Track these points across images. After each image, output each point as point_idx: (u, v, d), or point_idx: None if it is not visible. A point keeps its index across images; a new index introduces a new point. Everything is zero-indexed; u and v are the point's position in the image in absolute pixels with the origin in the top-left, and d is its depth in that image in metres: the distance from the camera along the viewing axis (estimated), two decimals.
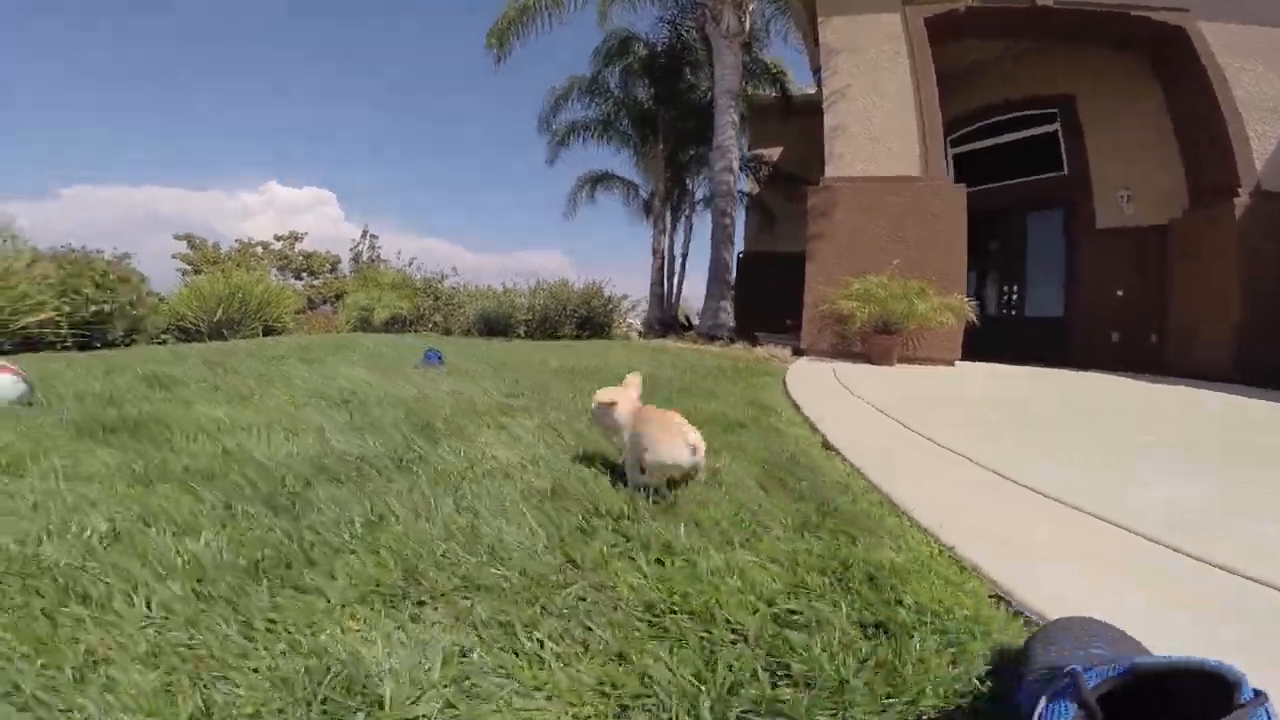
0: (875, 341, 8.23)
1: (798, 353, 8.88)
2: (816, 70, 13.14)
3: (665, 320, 14.49)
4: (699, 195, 15.77)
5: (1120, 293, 10.58)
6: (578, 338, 15.18)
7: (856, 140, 9.25)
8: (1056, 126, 11.36)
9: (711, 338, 10.06)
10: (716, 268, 10.61)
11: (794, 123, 13.83)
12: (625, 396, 2.04)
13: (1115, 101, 10.51)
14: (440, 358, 6.31)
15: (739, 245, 15.60)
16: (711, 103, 13.40)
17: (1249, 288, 8.35)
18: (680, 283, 15.79)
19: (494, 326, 19.63)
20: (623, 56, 13.42)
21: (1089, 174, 11.00)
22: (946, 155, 11.71)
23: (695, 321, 15.80)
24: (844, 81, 9.29)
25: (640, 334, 18.34)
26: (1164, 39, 9.28)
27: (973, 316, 8.22)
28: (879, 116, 9.23)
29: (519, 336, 17.88)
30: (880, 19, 9.39)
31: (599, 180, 15.76)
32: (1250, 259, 8.39)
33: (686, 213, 16.06)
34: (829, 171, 9.27)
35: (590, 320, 16.53)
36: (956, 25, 9.55)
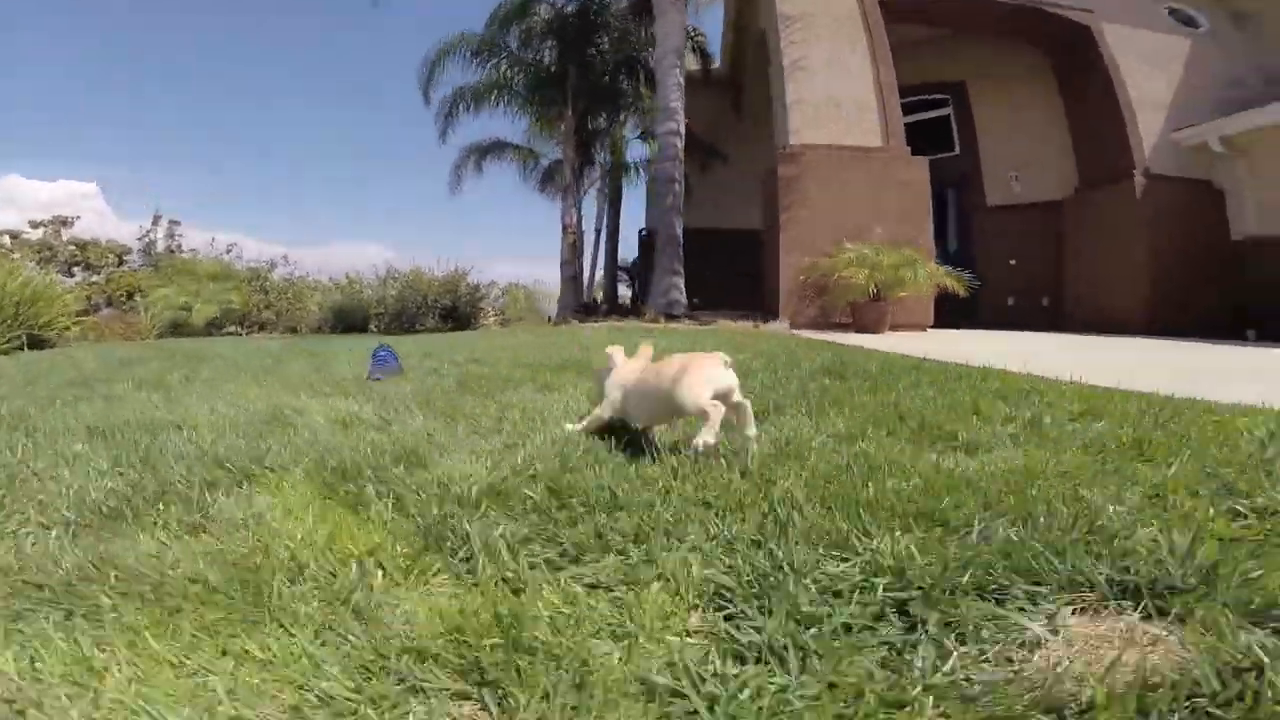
0: (869, 309, 7.33)
1: (795, 327, 7.41)
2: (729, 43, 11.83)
3: (585, 303, 12.18)
4: (612, 165, 13.49)
5: (1013, 262, 10.54)
6: (439, 330, 12.84)
7: (818, 109, 8.14)
8: (949, 111, 11.04)
9: (670, 317, 8.13)
10: (666, 239, 8.70)
11: (704, 92, 12.18)
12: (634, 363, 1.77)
13: (1005, 90, 10.45)
14: (395, 358, 3.93)
15: (642, 220, 13.78)
16: (625, 65, 11.34)
17: (1154, 254, 8.44)
18: (594, 261, 13.57)
19: (350, 321, 16.16)
20: (521, 18, 10.68)
21: (979, 155, 10.84)
22: None
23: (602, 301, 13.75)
24: (802, 51, 8.19)
25: (500, 321, 15.95)
26: (1068, 35, 9.25)
27: (959, 286, 7.34)
28: (839, 86, 8.20)
29: (373, 331, 15.00)
30: None
31: (490, 150, 12.80)
32: (1152, 229, 8.50)
33: (599, 184, 13.74)
34: (793, 139, 8.11)
35: (455, 311, 14.15)
36: (911, 8, 8.89)
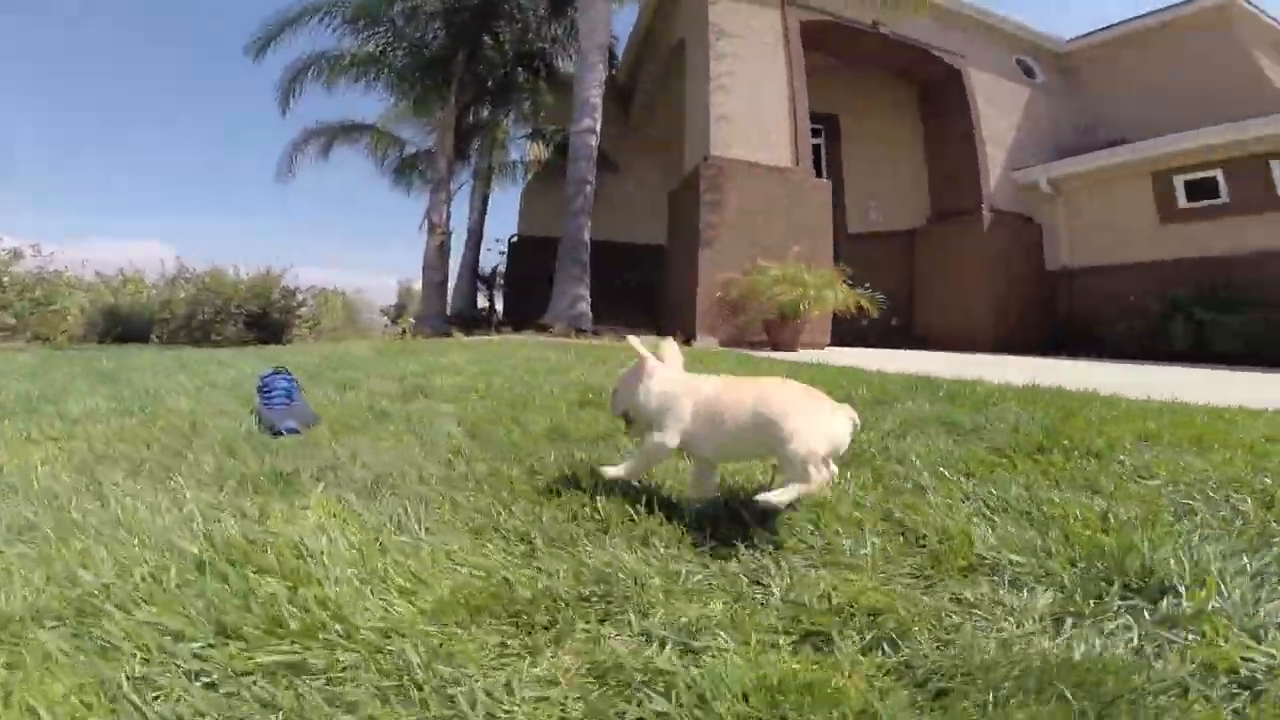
0: (786, 328, 7.22)
1: (734, 344, 7.04)
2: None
3: (463, 312, 10.60)
4: (490, 163, 11.93)
5: (868, 285, 11.27)
6: (245, 341, 10.79)
7: (738, 125, 7.95)
8: (820, 141, 11.55)
9: (579, 331, 7.23)
10: (572, 245, 7.81)
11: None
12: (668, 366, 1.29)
13: (873, 125, 11.15)
14: (298, 390, 2.61)
15: (505, 225, 12.65)
16: (525, 59, 10.18)
17: (995, 280, 9.47)
18: (475, 265, 11.85)
19: (127, 329, 12.89)
20: None
21: (844, 185, 11.46)
22: None
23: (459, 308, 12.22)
24: (729, 66, 7.98)
25: (314, 334, 13.65)
26: (941, 76, 10.05)
27: (872, 306, 7.50)
28: (758, 105, 8.09)
29: (155, 342, 11.97)
30: (764, 13, 8.40)
31: (343, 132, 10.60)
32: (993, 258, 9.55)
33: (469, 183, 12.08)
34: (715, 153, 7.81)
35: (265, 319, 12.08)
36: (818, 35, 8.93)
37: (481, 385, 3.19)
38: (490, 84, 10.01)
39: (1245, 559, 0.92)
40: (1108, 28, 10.65)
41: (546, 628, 0.83)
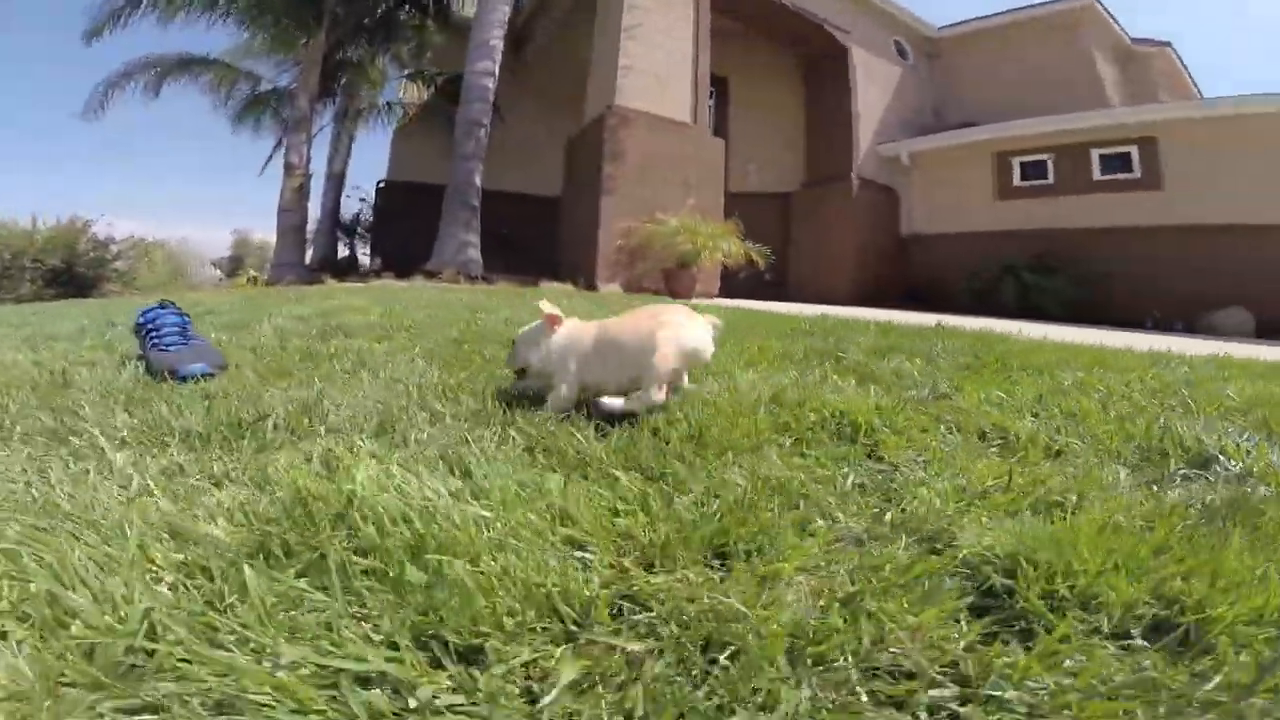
0: (682, 277, 7.48)
1: (631, 291, 7.05)
2: None
3: (321, 259, 9.53)
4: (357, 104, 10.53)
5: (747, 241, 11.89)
6: (41, 300, 9.57)
7: (643, 77, 7.93)
8: (712, 101, 11.69)
9: (469, 277, 6.87)
10: (461, 188, 7.34)
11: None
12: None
13: (760, 91, 11.49)
14: (193, 327, 2.16)
15: (377, 172, 11.62)
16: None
17: (859, 242, 10.39)
18: (337, 211, 10.48)
19: None
20: None
21: (729, 146, 11.79)
22: None
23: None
24: (640, 18, 7.94)
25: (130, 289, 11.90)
26: (827, 50, 10.49)
27: (760, 259, 7.88)
28: (664, 59, 8.12)
29: None
30: None
31: (180, 67, 8.89)
32: (858, 222, 10.42)
33: (335, 124, 10.61)
34: (621, 103, 7.71)
35: (70, 274, 10.74)
36: None
37: (408, 323, 2.88)
38: (368, 21, 8.86)
39: (1239, 437, 1.09)
40: (975, 19, 11.74)
41: (755, 553, 0.72)
